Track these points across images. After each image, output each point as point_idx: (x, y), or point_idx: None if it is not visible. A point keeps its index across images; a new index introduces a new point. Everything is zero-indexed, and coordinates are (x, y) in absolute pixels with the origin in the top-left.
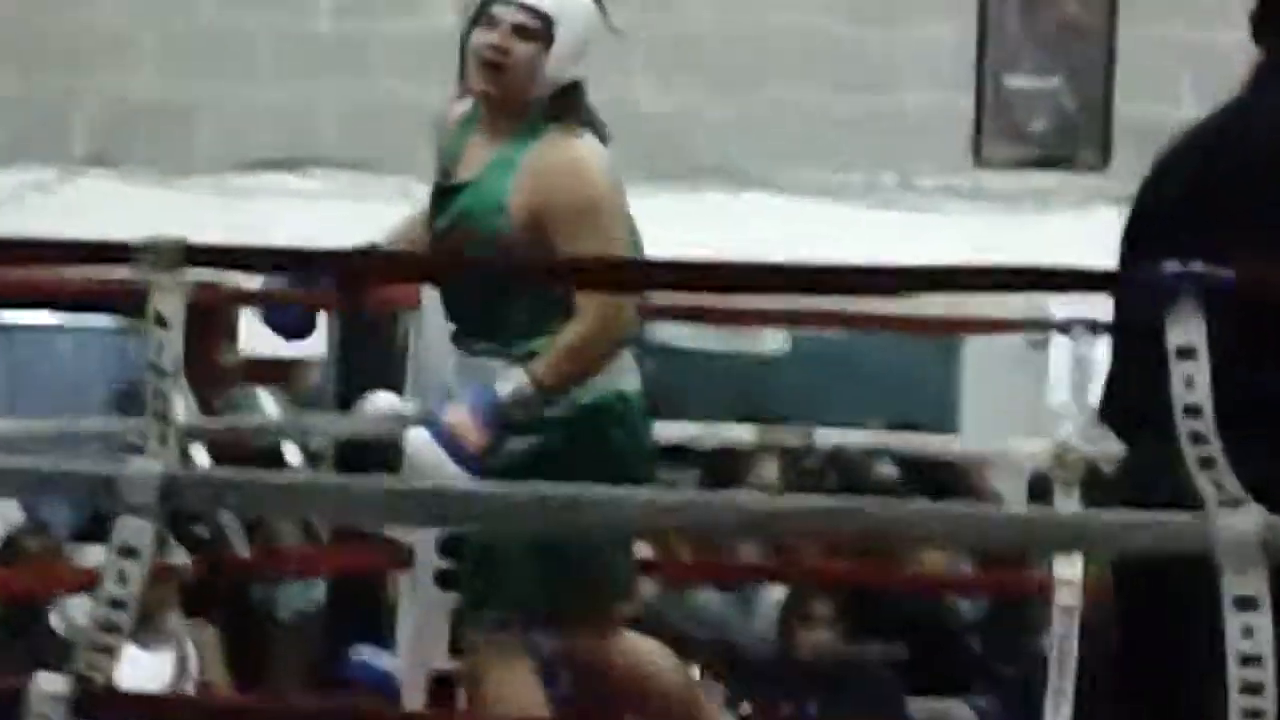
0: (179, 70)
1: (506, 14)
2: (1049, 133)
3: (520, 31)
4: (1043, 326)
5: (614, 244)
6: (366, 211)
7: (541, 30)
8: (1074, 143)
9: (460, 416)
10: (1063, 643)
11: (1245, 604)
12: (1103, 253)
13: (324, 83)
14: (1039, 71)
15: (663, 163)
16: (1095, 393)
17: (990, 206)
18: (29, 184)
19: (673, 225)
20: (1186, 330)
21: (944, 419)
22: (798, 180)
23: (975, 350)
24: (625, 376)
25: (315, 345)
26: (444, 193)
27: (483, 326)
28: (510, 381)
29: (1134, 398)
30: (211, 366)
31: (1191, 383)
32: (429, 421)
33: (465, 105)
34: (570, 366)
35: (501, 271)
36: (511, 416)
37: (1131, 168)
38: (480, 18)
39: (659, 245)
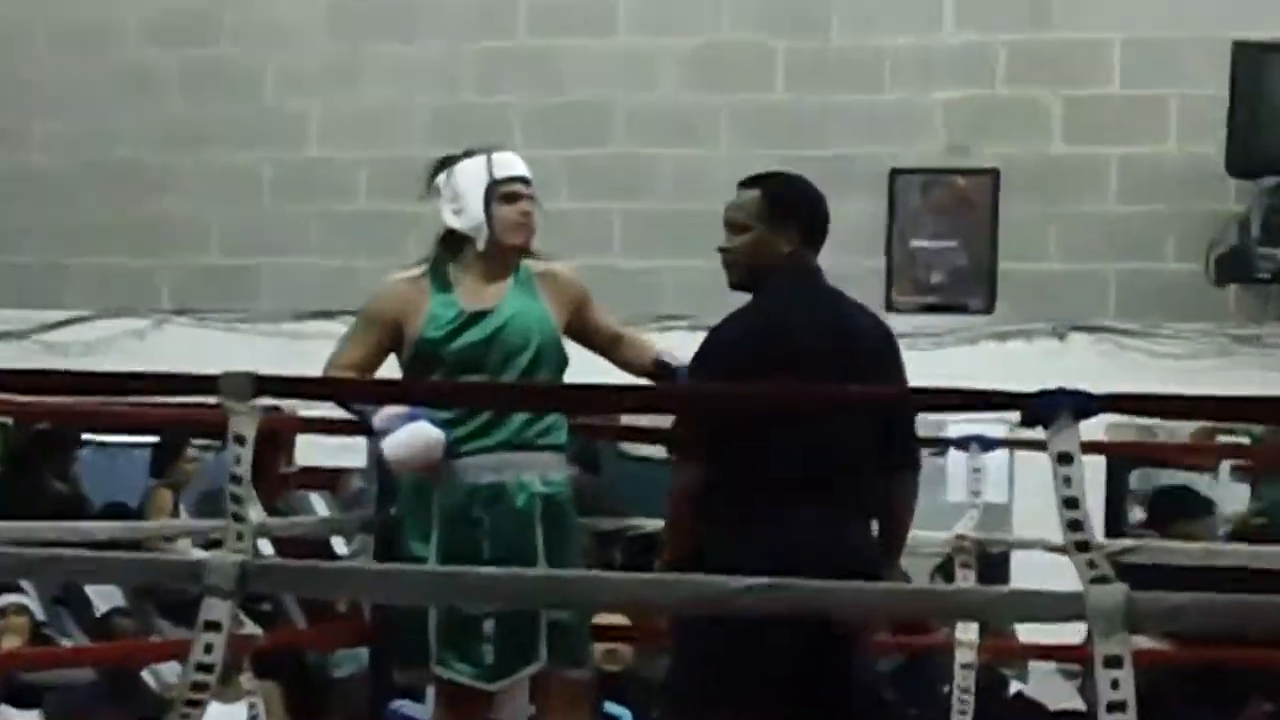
0: (245, 243)
1: (522, 188)
2: (945, 284)
3: (530, 199)
4: (946, 443)
5: None
6: None
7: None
8: (965, 293)
9: None
10: (962, 692)
11: (1112, 662)
12: (988, 380)
13: (361, 251)
14: (937, 236)
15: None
16: (987, 492)
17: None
18: (126, 331)
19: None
20: (1065, 441)
21: None
22: None
23: None
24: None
25: (358, 457)
26: (473, 318)
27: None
28: None
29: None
30: (272, 477)
31: (1070, 482)
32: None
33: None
34: None
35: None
36: None
37: (1012, 312)
38: (500, 195)
39: None
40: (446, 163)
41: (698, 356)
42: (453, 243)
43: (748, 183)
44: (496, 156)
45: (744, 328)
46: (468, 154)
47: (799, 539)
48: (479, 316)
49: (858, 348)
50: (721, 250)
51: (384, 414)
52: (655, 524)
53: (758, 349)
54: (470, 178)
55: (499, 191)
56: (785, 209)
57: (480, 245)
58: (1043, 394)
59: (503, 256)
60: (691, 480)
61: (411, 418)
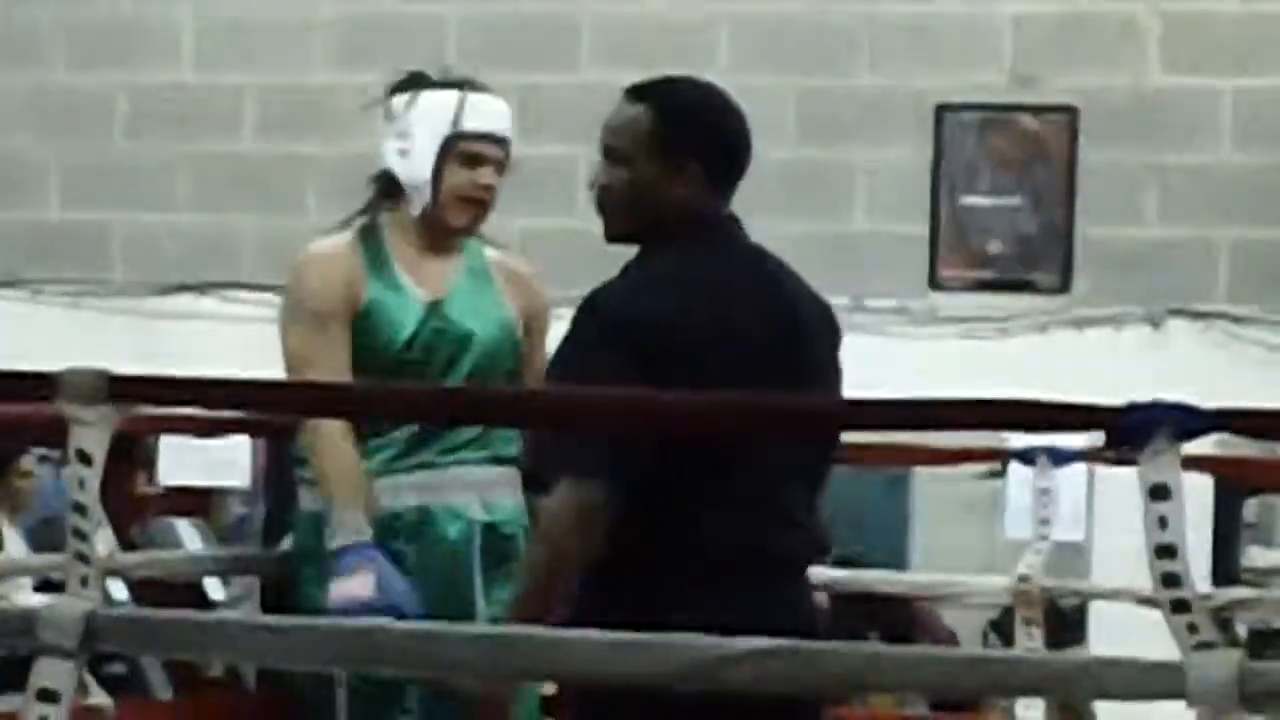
0: (92, 194)
1: (491, 151)
2: (1007, 255)
3: (499, 167)
4: (1004, 456)
5: None
6: None
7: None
8: (1033, 265)
9: None
10: None
11: None
12: (1062, 378)
13: (244, 206)
14: (997, 192)
15: None
16: (1059, 525)
17: (945, 330)
18: None
19: None
20: (1160, 469)
21: (891, 553)
22: None
23: (924, 480)
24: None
25: (238, 474)
26: (429, 311)
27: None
28: None
29: None
30: (128, 497)
31: (1165, 523)
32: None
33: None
34: None
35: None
36: None
37: (1094, 291)
38: (460, 154)
39: None
40: (415, 83)
41: (581, 344)
42: (392, 192)
43: (634, 93)
44: (473, 100)
45: (654, 295)
46: (442, 83)
47: (758, 618)
48: (432, 309)
49: (807, 333)
50: (596, 188)
51: (343, 593)
52: None
53: (678, 332)
54: (431, 117)
55: (458, 149)
56: (684, 131)
57: (414, 209)
58: (1131, 408)
59: (441, 233)
60: (590, 502)
61: (376, 605)
